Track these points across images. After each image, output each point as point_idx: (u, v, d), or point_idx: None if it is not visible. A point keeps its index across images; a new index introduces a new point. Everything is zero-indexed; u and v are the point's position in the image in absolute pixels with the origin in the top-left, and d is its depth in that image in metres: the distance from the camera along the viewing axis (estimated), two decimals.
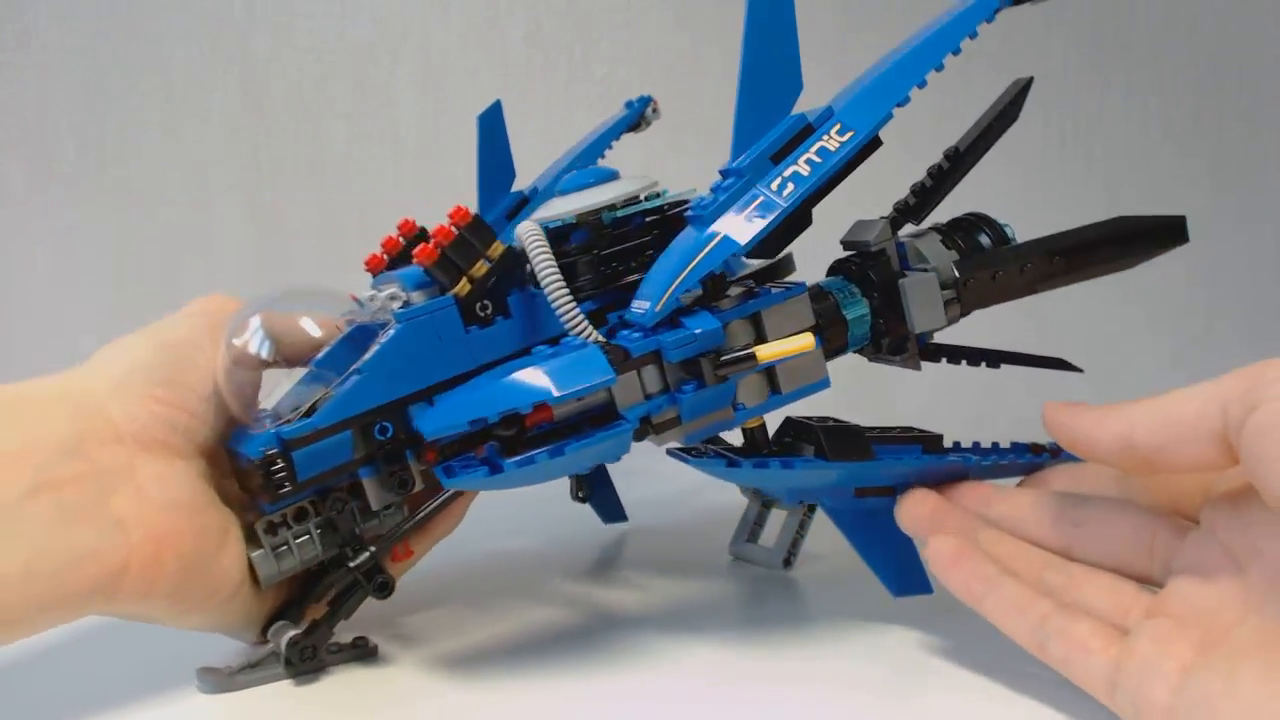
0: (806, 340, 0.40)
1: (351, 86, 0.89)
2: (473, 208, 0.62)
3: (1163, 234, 0.47)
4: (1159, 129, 0.87)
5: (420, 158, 0.89)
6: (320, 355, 0.42)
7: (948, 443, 0.45)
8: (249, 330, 0.41)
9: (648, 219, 0.46)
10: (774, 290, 0.42)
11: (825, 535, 0.51)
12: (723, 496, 0.63)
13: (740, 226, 0.40)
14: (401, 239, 0.48)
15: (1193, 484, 0.37)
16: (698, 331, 0.39)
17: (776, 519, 0.54)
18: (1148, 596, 0.36)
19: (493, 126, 0.57)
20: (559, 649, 0.43)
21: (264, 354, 0.41)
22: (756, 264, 0.42)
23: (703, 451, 0.44)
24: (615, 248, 0.45)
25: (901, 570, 0.43)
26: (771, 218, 0.40)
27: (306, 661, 0.41)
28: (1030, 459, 0.44)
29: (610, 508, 0.60)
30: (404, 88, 0.89)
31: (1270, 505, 0.30)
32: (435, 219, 0.91)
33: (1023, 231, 0.58)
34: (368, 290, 0.45)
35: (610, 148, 0.64)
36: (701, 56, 0.87)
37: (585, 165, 0.60)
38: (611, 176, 0.47)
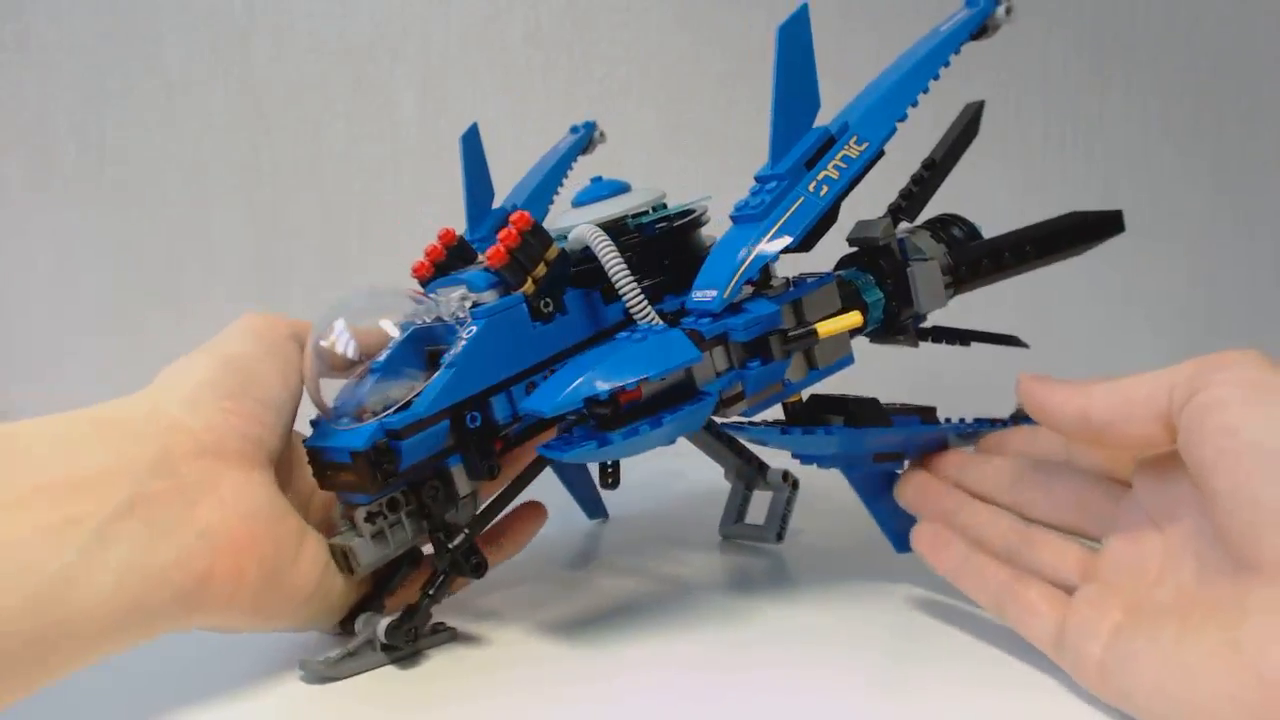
0: (856, 317, 0.47)
1: (351, 86, 0.89)
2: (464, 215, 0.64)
3: (1106, 225, 0.54)
4: (1159, 129, 0.87)
5: (420, 158, 0.89)
6: (383, 356, 0.45)
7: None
8: (335, 333, 0.44)
9: (658, 227, 0.50)
10: (809, 280, 0.48)
11: (805, 514, 0.60)
12: (689, 485, 0.70)
13: (789, 222, 0.46)
14: (444, 248, 0.51)
15: (1128, 452, 0.41)
16: (762, 315, 0.45)
17: (758, 501, 0.60)
18: (1088, 554, 0.40)
19: (474, 147, 0.61)
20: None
21: (350, 354, 0.44)
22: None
23: (756, 423, 0.49)
24: (636, 253, 0.50)
25: (902, 531, 0.50)
26: (814, 214, 0.46)
27: (410, 644, 0.44)
28: (998, 427, 0.52)
29: (593, 505, 0.65)
30: (404, 88, 0.89)
31: (1194, 477, 0.34)
32: (435, 218, 0.92)
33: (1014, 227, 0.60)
34: (426, 295, 0.48)
35: (571, 168, 0.67)
36: (701, 56, 0.87)
37: (549, 188, 0.65)
38: (624, 188, 0.52)
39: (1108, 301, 0.87)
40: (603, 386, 0.42)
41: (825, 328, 0.46)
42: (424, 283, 0.51)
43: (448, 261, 0.51)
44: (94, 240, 0.91)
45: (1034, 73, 0.86)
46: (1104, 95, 0.86)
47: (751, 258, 0.45)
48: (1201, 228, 0.87)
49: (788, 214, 0.46)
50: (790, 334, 0.46)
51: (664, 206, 0.52)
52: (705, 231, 0.54)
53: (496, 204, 0.63)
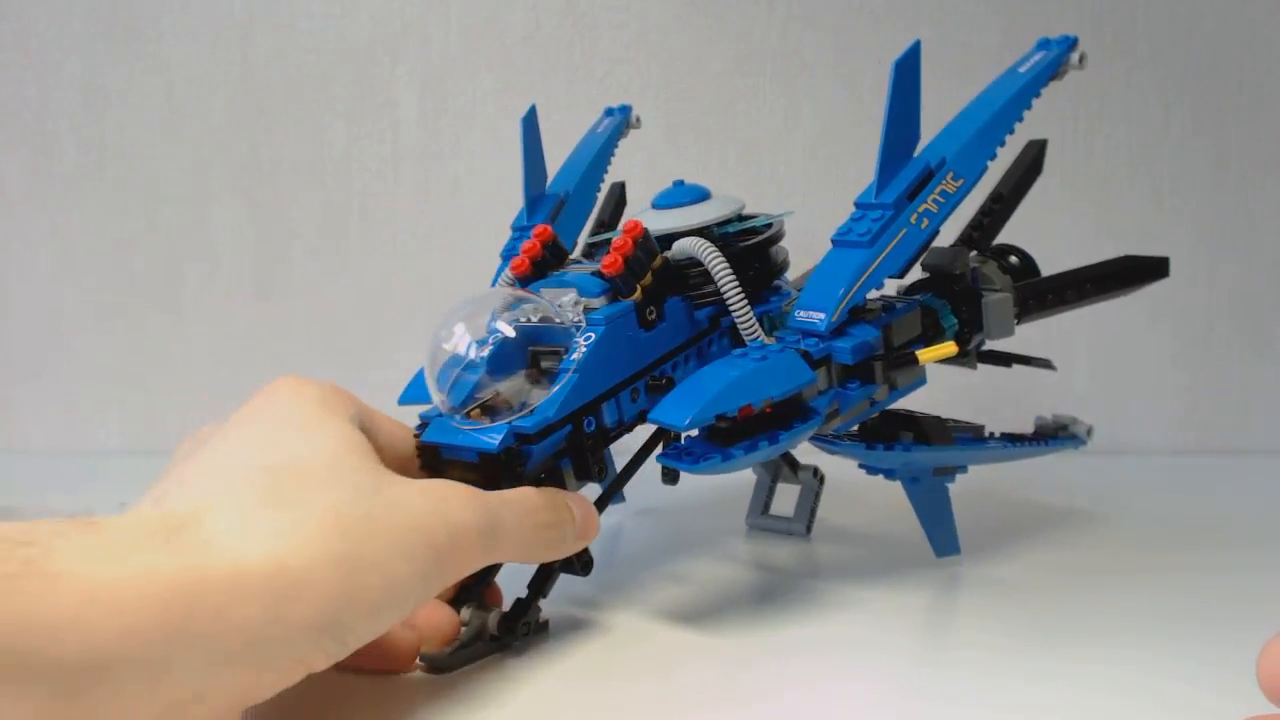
0: (951, 347, 0.49)
1: (351, 86, 0.89)
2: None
3: (1155, 270, 0.59)
4: (1159, 128, 0.87)
5: (420, 158, 0.89)
6: (487, 352, 0.46)
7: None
8: (456, 335, 0.46)
9: (746, 244, 0.52)
10: (899, 305, 0.51)
11: (828, 507, 0.64)
12: (708, 476, 0.70)
13: (894, 253, 0.49)
14: (542, 246, 0.52)
15: None
16: (868, 340, 0.48)
17: (784, 491, 0.64)
18: None
19: (533, 130, 0.61)
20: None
21: (471, 355, 0.46)
22: None
23: (843, 438, 0.53)
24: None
25: (944, 536, 0.55)
26: (918, 246, 0.49)
27: (525, 636, 0.46)
28: (1026, 446, 0.57)
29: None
30: (404, 88, 0.89)
31: None
32: (436, 218, 0.91)
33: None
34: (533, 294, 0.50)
35: (614, 153, 0.67)
36: (702, 56, 0.88)
37: (597, 174, 0.65)
38: (705, 195, 0.54)
39: (1108, 300, 0.87)
40: (733, 405, 0.44)
41: (925, 355, 0.49)
42: (522, 280, 0.52)
43: (544, 260, 0.52)
44: (94, 240, 0.91)
45: None
46: (1104, 94, 0.87)
47: (860, 283, 0.48)
48: (1202, 228, 0.87)
49: (893, 243, 0.49)
50: (893, 359, 0.49)
51: (740, 217, 0.54)
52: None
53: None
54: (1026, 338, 0.87)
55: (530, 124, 0.60)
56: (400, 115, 0.89)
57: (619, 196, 0.67)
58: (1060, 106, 0.86)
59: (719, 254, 0.49)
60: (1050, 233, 0.85)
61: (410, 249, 0.90)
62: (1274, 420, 0.87)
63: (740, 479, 0.64)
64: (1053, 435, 0.59)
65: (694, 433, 0.46)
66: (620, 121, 0.69)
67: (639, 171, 0.77)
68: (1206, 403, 0.88)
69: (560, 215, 0.61)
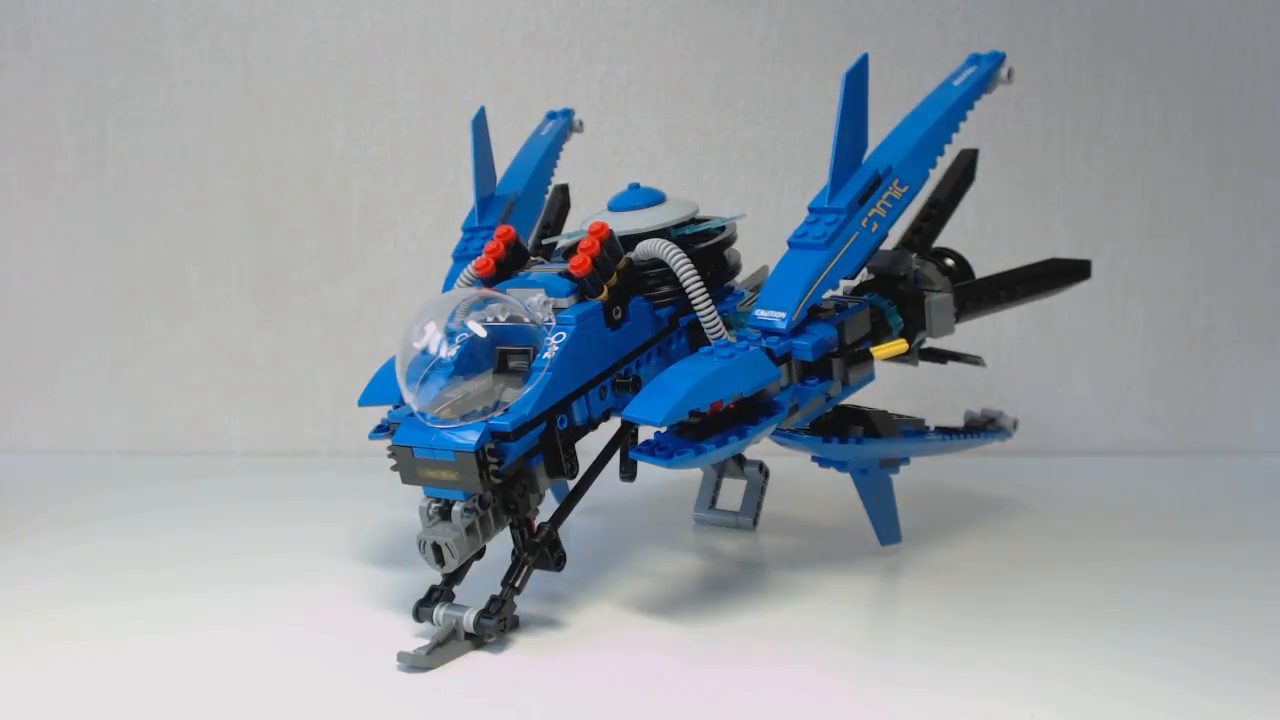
0: (902, 344, 0.53)
1: (351, 86, 0.89)
2: (469, 206, 0.64)
3: (1077, 271, 0.62)
4: (1159, 129, 0.87)
5: (420, 158, 0.89)
6: (454, 352, 0.47)
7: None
8: (428, 335, 0.47)
9: (702, 245, 0.54)
10: (850, 305, 0.53)
11: (775, 500, 0.65)
12: (651, 470, 0.72)
13: (849, 254, 0.51)
14: (505, 246, 0.53)
15: None
16: (826, 338, 0.50)
17: (730, 486, 0.65)
18: None
19: (483, 132, 0.61)
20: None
21: (441, 354, 0.47)
22: None
23: (801, 432, 0.55)
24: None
25: (888, 526, 0.58)
26: (869, 248, 0.52)
27: (502, 632, 0.47)
28: (959, 439, 0.60)
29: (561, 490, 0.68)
30: (404, 88, 0.89)
31: None
32: (436, 218, 0.92)
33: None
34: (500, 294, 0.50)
35: (559, 155, 0.68)
36: (702, 57, 0.88)
37: (545, 176, 0.65)
38: (661, 198, 0.55)
39: (1108, 301, 0.87)
40: (705, 401, 0.45)
41: (879, 352, 0.52)
42: (487, 280, 0.52)
43: (508, 260, 0.52)
44: (94, 240, 0.91)
45: (1033, 72, 0.86)
46: (1104, 95, 0.86)
47: (817, 284, 0.50)
48: (1202, 228, 0.87)
49: (846, 246, 0.51)
50: (851, 356, 0.51)
51: (694, 220, 0.55)
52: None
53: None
54: (1027, 340, 0.88)
55: (480, 126, 0.61)
56: (400, 115, 0.89)
57: (563, 199, 0.68)
58: (1061, 106, 0.86)
59: (684, 256, 0.50)
60: (1050, 232, 0.85)
61: (410, 249, 0.90)
62: (1274, 420, 0.87)
63: (686, 475, 0.66)
64: (982, 428, 0.61)
65: (663, 429, 0.47)
66: (564, 124, 0.69)
67: (639, 172, 0.77)
68: (1206, 403, 0.88)
69: (510, 217, 0.62)
